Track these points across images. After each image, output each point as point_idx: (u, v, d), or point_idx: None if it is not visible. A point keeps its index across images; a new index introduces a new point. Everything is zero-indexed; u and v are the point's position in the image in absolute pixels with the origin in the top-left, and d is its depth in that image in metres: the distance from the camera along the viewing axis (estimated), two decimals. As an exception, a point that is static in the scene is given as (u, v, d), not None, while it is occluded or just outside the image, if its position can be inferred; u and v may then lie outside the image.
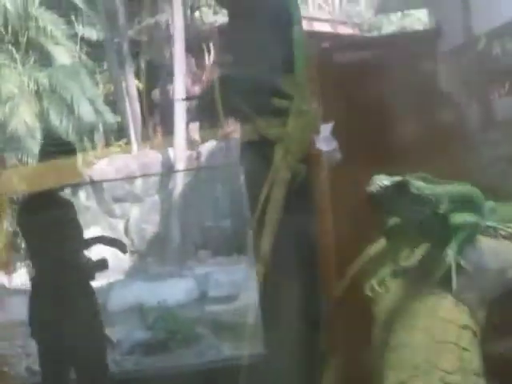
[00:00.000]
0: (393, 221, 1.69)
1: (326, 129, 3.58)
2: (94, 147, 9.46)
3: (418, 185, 1.50)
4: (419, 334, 1.51)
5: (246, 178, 3.04)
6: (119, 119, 10.01)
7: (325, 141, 3.34)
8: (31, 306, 2.96)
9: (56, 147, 3.40)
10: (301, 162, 3.00)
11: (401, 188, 1.47)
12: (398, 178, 1.46)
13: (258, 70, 3.17)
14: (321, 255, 2.97)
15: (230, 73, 2.89)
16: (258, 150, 3.13)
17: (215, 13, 9.88)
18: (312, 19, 9.52)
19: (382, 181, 1.44)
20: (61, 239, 3.01)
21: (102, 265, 3.15)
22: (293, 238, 2.98)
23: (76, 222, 3.29)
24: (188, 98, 9.61)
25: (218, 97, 2.82)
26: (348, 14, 11.79)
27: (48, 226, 2.97)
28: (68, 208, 3.17)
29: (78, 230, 3.24)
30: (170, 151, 9.59)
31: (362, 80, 3.51)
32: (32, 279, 3.05)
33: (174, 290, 8.17)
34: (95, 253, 3.76)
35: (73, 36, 9.60)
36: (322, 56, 3.68)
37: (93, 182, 9.26)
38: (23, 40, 8.91)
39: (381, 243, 1.88)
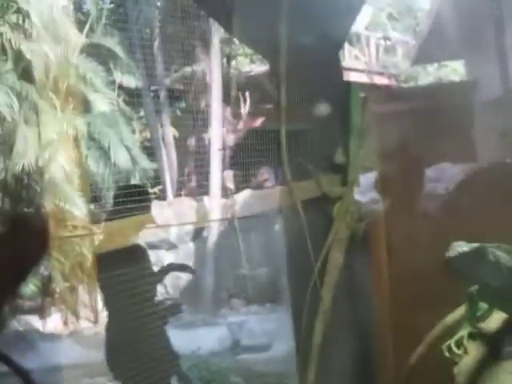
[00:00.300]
0: (471, 286, 1.68)
1: (365, 179, 3.45)
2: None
3: (495, 253, 1.54)
4: None
5: (306, 234, 2.96)
6: (155, 166, 10.09)
7: (364, 192, 3.23)
8: (108, 349, 3.01)
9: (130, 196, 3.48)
10: (360, 220, 2.92)
11: (479, 254, 1.50)
12: (476, 245, 1.51)
13: (317, 123, 3.12)
14: (378, 324, 2.86)
15: (290, 127, 2.87)
16: (318, 207, 3.05)
17: (252, 62, 10.11)
18: (349, 69, 9.67)
19: (461, 247, 1.49)
20: (138, 289, 3.05)
21: (175, 309, 3.17)
22: (350, 296, 2.86)
23: (150, 265, 3.29)
24: (224, 148, 9.78)
25: (285, 152, 2.77)
26: (384, 65, 11.92)
27: (127, 278, 3.03)
28: (143, 254, 3.20)
29: (152, 273, 3.25)
30: (205, 199, 9.73)
31: (398, 130, 3.46)
32: (108, 324, 3.07)
33: (208, 339, 8.24)
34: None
35: (111, 83, 9.69)
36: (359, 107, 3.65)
37: None
38: (63, 87, 8.92)
39: (459, 311, 1.89)
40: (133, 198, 3.19)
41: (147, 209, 3.52)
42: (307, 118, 3.00)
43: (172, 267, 3.38)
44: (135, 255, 3.24)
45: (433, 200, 3.69)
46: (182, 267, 3.33)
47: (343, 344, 2.85)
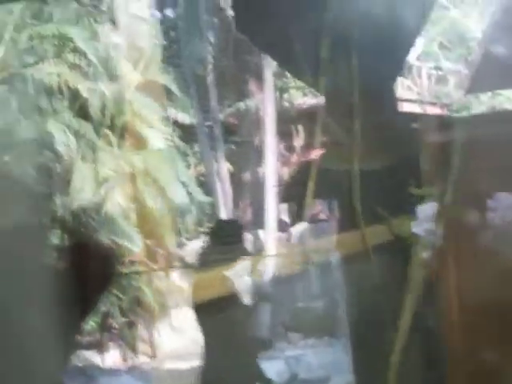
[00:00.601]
0: None
1: (423, 211, 3.34)
2: (185, 228, 9.57)
3: None
4: None
5: (379, 276, 2.91)
6: (210, 200, 10.07)
7: (420, 223, 3.14)
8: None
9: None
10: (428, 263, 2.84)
11: None
12: None
13: (386, 161, 3.04)
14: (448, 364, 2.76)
15: (364, 167, 2.79)
16: (391, 249, 3.00)
17: (304, 94, 10.08)
18: (401, 100, 9.63)
19: None
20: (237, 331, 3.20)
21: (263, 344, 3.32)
22: (421, 338, 2.79)
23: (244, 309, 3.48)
24: (280, 184, 9.60)
25: (357, 197, 2.70)
26: (437, 95, 11.66)
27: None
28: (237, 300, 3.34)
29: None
30: (260, 233, 9.53)
31: (452, 159, 3.38)
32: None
33: (265, 373, 8.44)
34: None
35: (166, 119, 9.79)
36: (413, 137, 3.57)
37: (185, 264, 9.32)
38: (119, 124, 9.09)
39: None
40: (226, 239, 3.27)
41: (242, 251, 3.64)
42: (379, 156, 2.94)
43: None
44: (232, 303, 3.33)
45: (491, 231, 3.65)
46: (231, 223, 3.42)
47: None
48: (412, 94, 10.94)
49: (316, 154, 10.26)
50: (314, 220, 9.87)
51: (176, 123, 10.20)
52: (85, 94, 8.95)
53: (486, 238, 3.36)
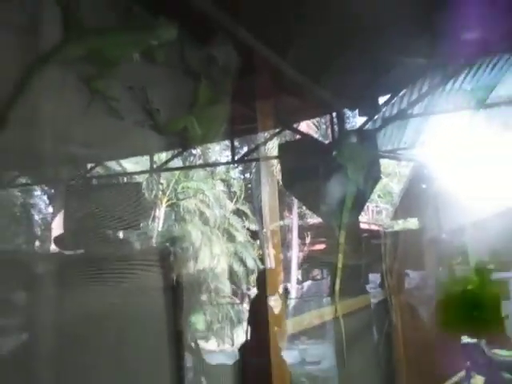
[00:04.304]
0: None
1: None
2: (250, 281, 14.12)
3: None
4: None
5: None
6: (262, 266, 13.10)
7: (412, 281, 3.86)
8: None
9: None
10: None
11: None
12: None
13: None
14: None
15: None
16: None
17: (311, 217, 13.95)
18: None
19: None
20: None
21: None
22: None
23: None
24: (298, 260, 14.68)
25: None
26: (376, 220, 15.49)
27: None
28: None
29: None
30: (288, 285, 14.00)
31: (385, 251, 4.36)
32: None
33: (288, 357, 8.10)
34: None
35: (244, 227, 14.52)
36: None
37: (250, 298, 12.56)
38: (222, 228, 14.05)
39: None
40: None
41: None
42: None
43: None
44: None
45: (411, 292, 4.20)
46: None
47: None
48: (363, 218, 14.29)
49: (318, 247, 15.15)
50: (314, 279, 14.71)
51: (248, 229, 14.81)
52: (207, 214, 14.03)
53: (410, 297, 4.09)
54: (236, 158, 5.72)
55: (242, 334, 11.92)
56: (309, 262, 14.28)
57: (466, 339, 3.64)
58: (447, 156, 4.95)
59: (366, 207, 15.13)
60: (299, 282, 14.65)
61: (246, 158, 6.11)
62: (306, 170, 3.49)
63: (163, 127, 2.06)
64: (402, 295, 4.13)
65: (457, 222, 7.28)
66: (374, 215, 16.19)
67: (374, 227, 14.74)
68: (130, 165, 9.89)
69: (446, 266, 5.00)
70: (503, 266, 4.20)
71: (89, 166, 5.13)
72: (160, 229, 13.03)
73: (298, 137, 5.28)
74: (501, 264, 4.44)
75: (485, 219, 6.47)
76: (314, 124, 13.50)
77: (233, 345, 13.44)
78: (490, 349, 3.53)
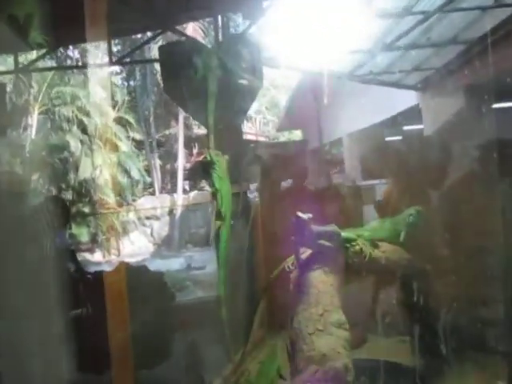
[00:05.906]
0: None
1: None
2: (136, 191, 13.73)
3: None
4: None
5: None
6: (150, 179, 14.29)
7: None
8: None
9: None
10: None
11: None
12: None
13: None
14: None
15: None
16: None
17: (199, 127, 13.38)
18: (245, 133, 13.78)
19: None
20: None
21: None
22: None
23: None
24: (185, 171, 13.87)
25: None
26: (263, 132, 15.48)
27: None
28: None
29: None
30: (174, 195, 14.08)
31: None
32: None
33: (174, 264, 11.09)
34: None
35: (128, 137, 13.88)
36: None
37: (135, 209, 13.73)
38: (104, 138, 13.04)
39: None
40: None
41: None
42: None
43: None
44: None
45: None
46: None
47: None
48: (251, 130, 15.02)
49: (202, 156, 15.35)
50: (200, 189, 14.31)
51: (133, 139, 14.18)
52: (86, 122, 12.83)
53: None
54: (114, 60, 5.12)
55: (128, 245, 13.68)
56: (195, 173, 13.72)
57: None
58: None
59: (253, 119, 15.88)
60: (186, 192, 14.40)
61: (124, 61, 5.42)
62: (184, 74, 3.31)
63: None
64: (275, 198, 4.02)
65: (335, 134, 7.57)
66: (262, 127, 16.18)
67: (261, 138, 15.09)
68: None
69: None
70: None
71: None
72: (33, 137, 11.88)
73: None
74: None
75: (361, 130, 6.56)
76: (201, 29, 12.88)
77: (119, 255, 13.39)
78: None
